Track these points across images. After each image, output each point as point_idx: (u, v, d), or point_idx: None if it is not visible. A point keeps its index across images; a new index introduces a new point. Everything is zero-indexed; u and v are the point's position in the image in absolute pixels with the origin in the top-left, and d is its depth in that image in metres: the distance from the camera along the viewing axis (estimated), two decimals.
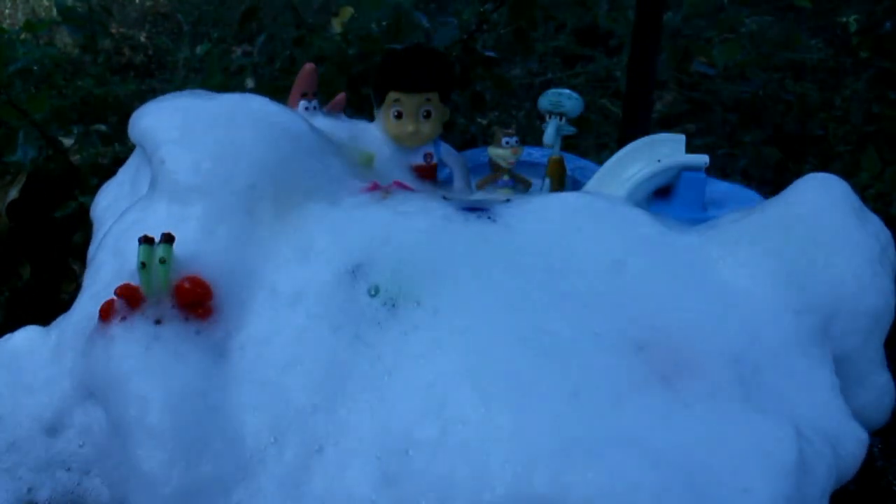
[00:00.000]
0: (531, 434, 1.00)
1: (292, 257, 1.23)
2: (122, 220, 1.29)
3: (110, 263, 1.23)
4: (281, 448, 1.09)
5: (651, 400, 1.05)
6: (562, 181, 1.60)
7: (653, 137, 1.43)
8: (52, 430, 1.16)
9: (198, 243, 1.20)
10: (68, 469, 1.14)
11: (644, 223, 1.26)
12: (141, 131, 1.35)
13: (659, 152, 1.37)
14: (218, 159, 1.28)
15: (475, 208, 1.28)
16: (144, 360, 1.10)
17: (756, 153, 2.26)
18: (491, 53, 1.85)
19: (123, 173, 1.50)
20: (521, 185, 1.57)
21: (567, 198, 1.33)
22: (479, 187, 1.58)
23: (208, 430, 1.08)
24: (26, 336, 1.24)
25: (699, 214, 1.37)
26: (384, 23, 1.86)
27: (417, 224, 1.25)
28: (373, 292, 1.16)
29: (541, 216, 1.28)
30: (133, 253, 1.16)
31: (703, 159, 1.39)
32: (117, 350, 1.11)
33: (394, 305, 1.15)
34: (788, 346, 1.13)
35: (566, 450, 0.98)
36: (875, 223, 1.23)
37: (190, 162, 1.28)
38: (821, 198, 1.23)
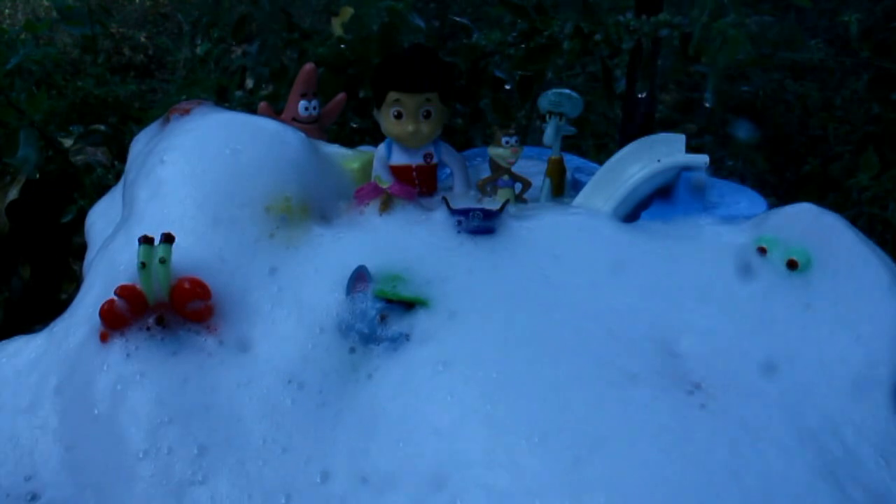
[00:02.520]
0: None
1: (289, 283, 1.23)
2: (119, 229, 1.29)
3: (104, 276, 1.22)
4: None
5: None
6: (562, 181, 1.60)
7: (653, 137, 1.43)
8: (30, 447, 1.12)
9: (194, 251, 1.20)
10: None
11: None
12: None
13: (659, 152, 1.37)
14: (217, 166, 1.29)
15: (476, 224, 1.28)
16: (144, 390, 1.10)
17: (755, 154, 2.26)
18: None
19: (116, 190, 1.50)
20: (521, 185, 1.57)
21: (570, 218, 1.34)
22: (480, 187, 1.58)
23: None
24: (9, 350, 1.22)
25: (700, 214, 1.36)
26: (381, 24, 1.86)
27: (417, 245, 1.26)
28: (375, 317, 1.16)
29: (546, 237, 1.30)
30: (127, 265, 1.16)
31: (703, 159, 1.38)
32: (116, 377, 1.11)
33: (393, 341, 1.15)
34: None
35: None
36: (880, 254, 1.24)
37: (189, 166, 1.29)
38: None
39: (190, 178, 1.28)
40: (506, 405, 1.06)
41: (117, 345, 1.13)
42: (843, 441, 1.06)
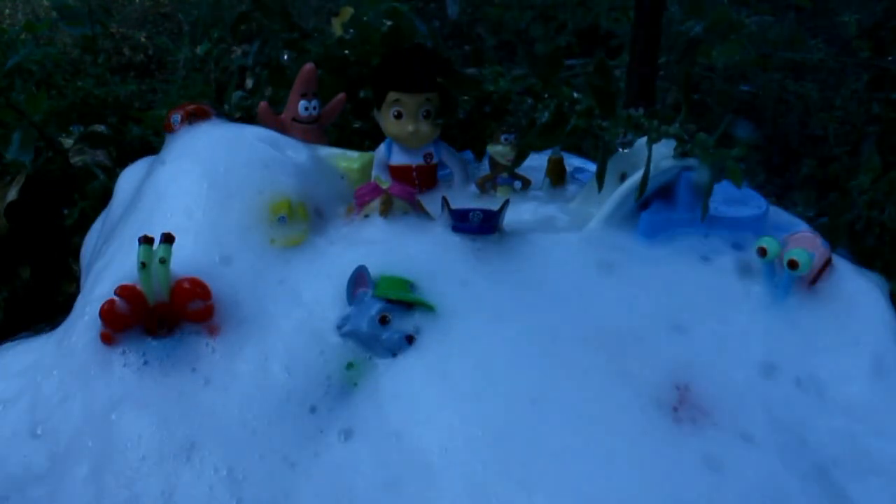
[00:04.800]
0: None
1: (291, 289, 1.23)
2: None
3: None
4: None
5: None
6: (561, 181, 1.60)
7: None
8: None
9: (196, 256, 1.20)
10: None
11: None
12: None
13: (658, 152, 1.37)
14: (220, 179, 1.30)
15: (478, 223, 1.27)
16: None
17: (754, 155, 2.25)
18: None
19: (102, 220, 1.50)
20: (520, 183, 1.57)
21: (573, 238, 1.35)
22: (479, 185, 1.58)
23: None
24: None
25: (699, 214, 1.36)
26: (384, 23, 1.86)
27: (418, 249, 1.26)
28: (378, 319, 1.15)
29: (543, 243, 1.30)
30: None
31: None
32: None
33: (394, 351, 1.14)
34: None
35: None
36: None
37: (193, 169, 1.30)
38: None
39: (192, 190, 1.29)
40: (495, 411, 1.06)
41: (112, 367, 1.12)
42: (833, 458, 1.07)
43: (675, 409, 1.07)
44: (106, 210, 1.49)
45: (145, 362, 1.12)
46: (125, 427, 1.07)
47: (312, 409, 1.09)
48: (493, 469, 1.00)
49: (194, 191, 1.28)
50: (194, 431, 1.07)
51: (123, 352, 1.13)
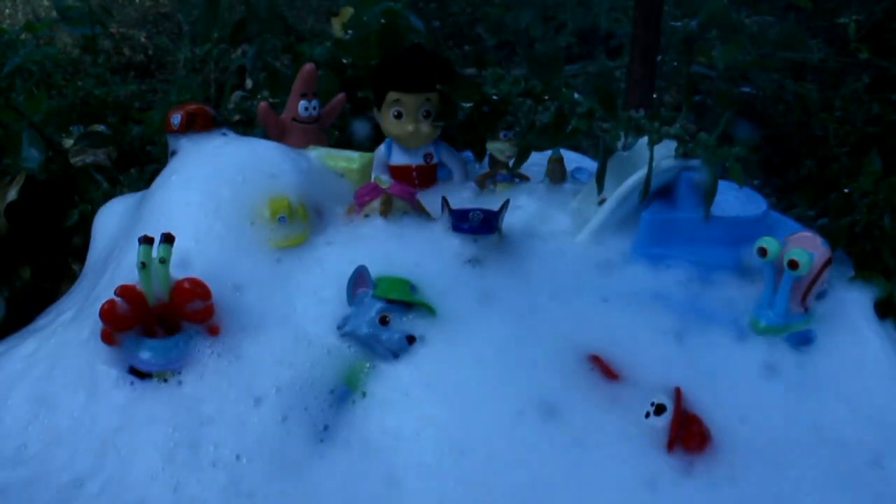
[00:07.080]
0: None
1: (292, 290, 1.23)
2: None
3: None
4: None
5: None
6: (561, 181, 1.60)
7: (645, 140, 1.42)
8: None
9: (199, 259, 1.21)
10: None
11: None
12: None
13: (658, 152, 1.37)
14: (225, 188, 1.30)
15: (477, 223, 1.27)
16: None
17: (753, 156, 2.25)
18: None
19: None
20: (519, 180, 1.57)
21: (572, 240, 1.35)
22: (479, 182, 1.58)
23: None
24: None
25: (699, 214, 1.36)
26: (381, 25, 1.86)
27: (418, 250, 1.26)
28: (379, 320, 1.15)
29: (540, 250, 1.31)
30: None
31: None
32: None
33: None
34: None
35: None
36: None
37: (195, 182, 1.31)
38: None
39: (197, 197, 1.29)
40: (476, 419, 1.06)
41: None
42: None
43: (670, 425, 1.07)
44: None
45: (132, 384, 1.12)
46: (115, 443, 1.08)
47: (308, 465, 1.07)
48: (487, 477, 1.00)
49: (194, 201, 1.28)
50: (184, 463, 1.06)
51: (118, 368, 1.13)
